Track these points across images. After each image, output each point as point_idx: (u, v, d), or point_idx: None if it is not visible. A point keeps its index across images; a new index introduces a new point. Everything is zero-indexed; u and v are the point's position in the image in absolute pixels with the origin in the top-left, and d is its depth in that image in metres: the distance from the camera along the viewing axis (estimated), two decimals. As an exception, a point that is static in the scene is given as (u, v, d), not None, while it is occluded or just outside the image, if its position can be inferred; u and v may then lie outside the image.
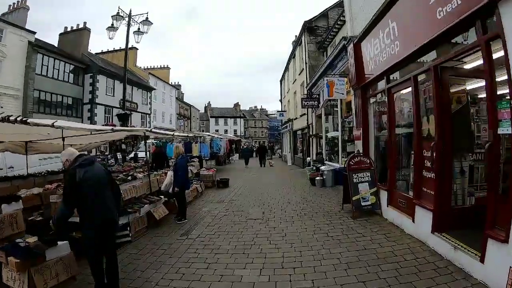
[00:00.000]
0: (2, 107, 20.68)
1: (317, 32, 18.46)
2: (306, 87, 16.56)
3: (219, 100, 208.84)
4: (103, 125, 27.07)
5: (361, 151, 7.71)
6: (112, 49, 39.36)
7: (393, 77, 6.41)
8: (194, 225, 6.85)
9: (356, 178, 6.93)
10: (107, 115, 29.29)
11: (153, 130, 11.43)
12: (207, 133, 20.51)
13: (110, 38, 17.03)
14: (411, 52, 5.09)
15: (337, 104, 13.97)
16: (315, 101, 14.65)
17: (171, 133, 14.27)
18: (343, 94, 9.96)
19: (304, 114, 19.08)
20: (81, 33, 28.65)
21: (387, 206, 6.41)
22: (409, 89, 5.51)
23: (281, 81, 33.27)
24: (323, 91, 13.68)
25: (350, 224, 6.26)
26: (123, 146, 22.55)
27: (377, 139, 7.63)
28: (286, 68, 28.24)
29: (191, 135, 18.64)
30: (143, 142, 18.56)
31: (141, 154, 20.38)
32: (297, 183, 13.01)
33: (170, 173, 7.73)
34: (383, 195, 6.71)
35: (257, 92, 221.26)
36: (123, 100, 17.39)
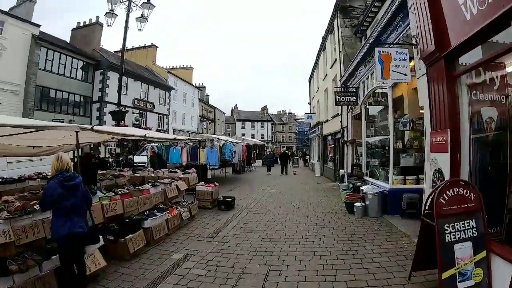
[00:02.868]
0: (0, 103, 18.88)
1: (353, 13, 14.94)
2: (340, 81, 13.06)
3: (247, 104, 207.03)
4: (113, 126, 25.11)
5: (445, 170, 4.26)
6: (131, 47, 37.70)
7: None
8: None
9: (450, 232, 3.43)
10: None
11: (148, 134, 8.62)
12: (216, 136, 17.35)
13: (108, 26, 14.52)
14: None
15: (384, 97, 10.47)
16: (353, 96, 11.13)
17: (168, 137, 11.26)
18: (405, 75, 6.34)
19: (337, 115, 15.53)
20: (93, 28, 26.99)
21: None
22: None
23: (309, 80, 29.75)
24: (367, 79, 10.20)
25: None
26: (117, 150, 20.09)
27: (478, 149, 4.17)
28: (315, 64, 24.76)
29: (203, 139, 15.59)
30: (148, 145, 15.72)
31: (139, 159, 17.83)
32: (327, 206, 9.52)
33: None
34: (502, 268, 3.23)
35: (287, 98, 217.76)
36: (118, 95, 14.62)
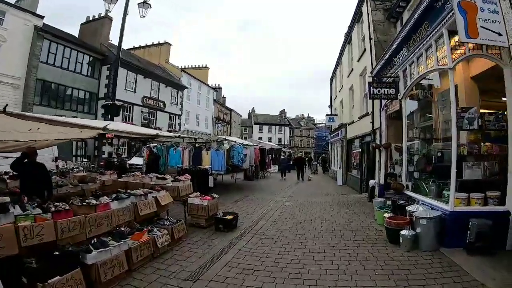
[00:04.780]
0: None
1: (386, -5, 12.61)
2: (372, 73, 10.73)
3: (265, 107, 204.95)
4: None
5: None
6: (145, 44, 36.47)
7: None
8: None
9: None
10: (126, 113, 25.75)
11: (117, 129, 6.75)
12: (223, 137, 15.26)
13: (107, 11, 13.09)
14: None
15: (429, 90, 8.20)
16: (391, 87, 8.79)
17: (168, 134, 9.29)
18: (500, 35, 3.97)
19: (367, 114, 13.20)
20: (102, 22, 25.64)
21: None
22: None
23: (331, 79, 27.37)
24: (410, 65, 7.87)
25: None
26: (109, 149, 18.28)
27: None
28: (338, 62, 22.42)
29: (208, 139, 13.54)
30: (152, 144, 13.82)
31: (136, 161, 15.99)
32: (359, 230, 7.18)
33: None
34: None
35: (305, 103, 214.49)
36: (113, 87, 12.90)
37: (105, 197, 5.33)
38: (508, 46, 4.05)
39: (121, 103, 19.21)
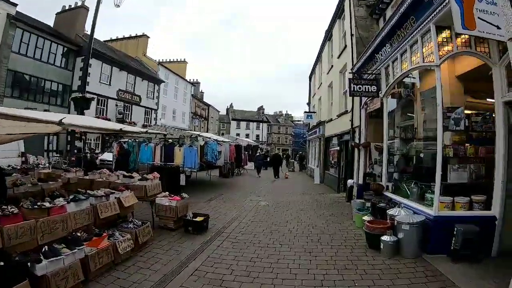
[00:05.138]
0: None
1: (369, -9, 12.30)
2: (352, 69, 10.40)
3: (243, 104, 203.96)
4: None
5: None
6: (122, 36, 35.14)
7: None
8: None
9: None
10: (100, 106, 24.72)
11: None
12: (197, 133, 14.60)
13: (83, 1, 12.13)
14: None
15: (411, 88, 7.96)
16: (372, 84, 8.46)
17: (135, 130, 8.61)
18: (498, 28, 3.59)
19: (346, 112, 12.91)
20: (78, 11, 24.35)
21: None
22: None
23: (310, 77, 27.11)
24: (393, 62, 7.53)
25: None
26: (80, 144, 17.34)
27: None
28: (318, 59, 22.14)
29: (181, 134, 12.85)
30: (124, 139, 12.99)
31: (108, 157, 15.23)
32: (338, 234, 6.78)
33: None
34: None
35: (285, 100, 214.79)
36: (83, 79, 12.10)
37: (61, 198, 4.68)
38: (506, 40, 3.69)
39: (92, 96, 18.22)
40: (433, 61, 5.69)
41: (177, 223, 6.89)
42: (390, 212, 5.88)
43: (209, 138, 13.33)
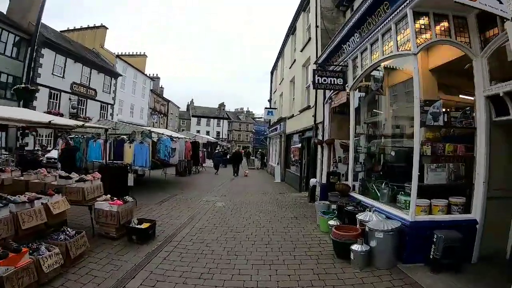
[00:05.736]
0: None
1: (335, -19, 11.76)
2: (317, 62, 9.72)
3: (206, 101, 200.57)
4: (45, 113, 20.27)
5: None
6: (80, 27, 32.60)
7: None
8: None
9: None
10: (53, 100, 22.52)
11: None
12: (148, 128, 13.35)
13: None
14: None
15: (381, 80, 7.42)
16: (339, 77, 7.83)
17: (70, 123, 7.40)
18: (501, 2, 3.06)
19: (308, 107, 12.33)
20: None
21: None
22: None
23: (272, 72, 26.48)
24: (362, 53, 6.91)
25: None
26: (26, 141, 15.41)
27: None
28: (280, 54, 21.50)
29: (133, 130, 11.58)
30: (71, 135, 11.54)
31: (55, 154, 13.61)
32: (301, 241, 6.03)
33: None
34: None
35: (247, 97, 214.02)
36: (28, 68, 10.60)
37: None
38: (509, 18, 3.10)
39: (36, 87, 16.30)
40: (410, 49, 5.11)
41: (120, 230, 5.85)
42: (360, 217, 5.22)
43: (162, 134, 12.14)
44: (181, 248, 5.42)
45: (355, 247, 4.64)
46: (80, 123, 7.69)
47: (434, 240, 4.38)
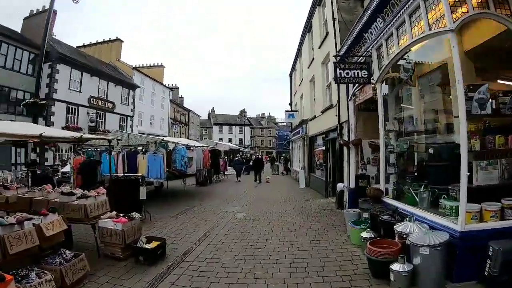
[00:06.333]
0: None
1: (352, -30, 10.98)
2: (337, 55, 8.93)
3: (225, 108, 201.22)
4: (63, 128, 20.49)
5: None
6: (95, 42, 33.32)
7: None
8: None
9: None
10: (70, 115, 22.82)
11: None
12: (162, 137, 12.93)
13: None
14: None
15: (412, 70, 6.55)
16: (363, 69, 7.06)
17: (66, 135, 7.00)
18: None
19: (331, 106, 11.54)
20: (45, 15, 21.90)
21: None
22: None
23: (290, 74, 25.82)
24: (386, 40, 6.10)
25: None
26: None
27: None
28: (297, 54, 20.84)
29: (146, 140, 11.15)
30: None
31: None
32: (330, 257, 5.24)
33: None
34: None
35: (267, 102, 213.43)
36: (37, 82, 10.61)
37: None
38: None
39: (45, 101, 16.31)
40: (446, 25, 4.30)
41: (126, 250, 5.33)
42: (399, 228, 4.41)
43: (177, 143, 11.66)
44: (193, 271, 4.79)
45: (395, 266, 3.85)
46: (78, 135, 7.27)
47: (490, 253, 3.56)
